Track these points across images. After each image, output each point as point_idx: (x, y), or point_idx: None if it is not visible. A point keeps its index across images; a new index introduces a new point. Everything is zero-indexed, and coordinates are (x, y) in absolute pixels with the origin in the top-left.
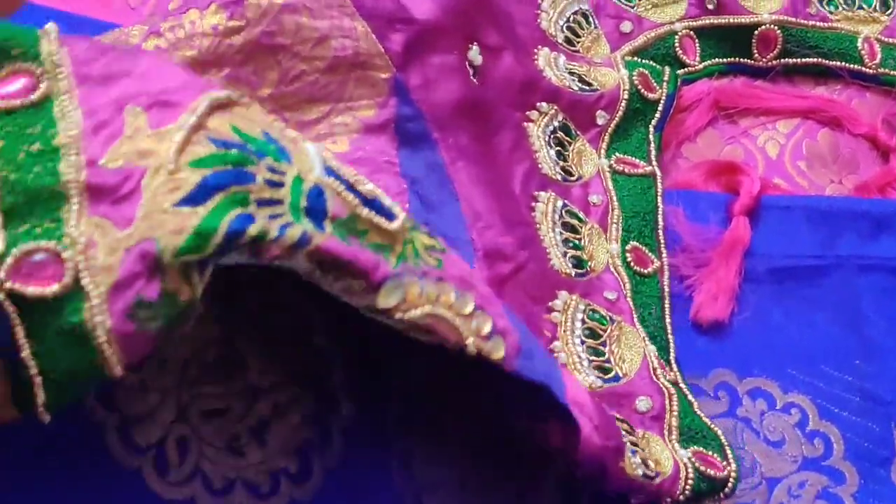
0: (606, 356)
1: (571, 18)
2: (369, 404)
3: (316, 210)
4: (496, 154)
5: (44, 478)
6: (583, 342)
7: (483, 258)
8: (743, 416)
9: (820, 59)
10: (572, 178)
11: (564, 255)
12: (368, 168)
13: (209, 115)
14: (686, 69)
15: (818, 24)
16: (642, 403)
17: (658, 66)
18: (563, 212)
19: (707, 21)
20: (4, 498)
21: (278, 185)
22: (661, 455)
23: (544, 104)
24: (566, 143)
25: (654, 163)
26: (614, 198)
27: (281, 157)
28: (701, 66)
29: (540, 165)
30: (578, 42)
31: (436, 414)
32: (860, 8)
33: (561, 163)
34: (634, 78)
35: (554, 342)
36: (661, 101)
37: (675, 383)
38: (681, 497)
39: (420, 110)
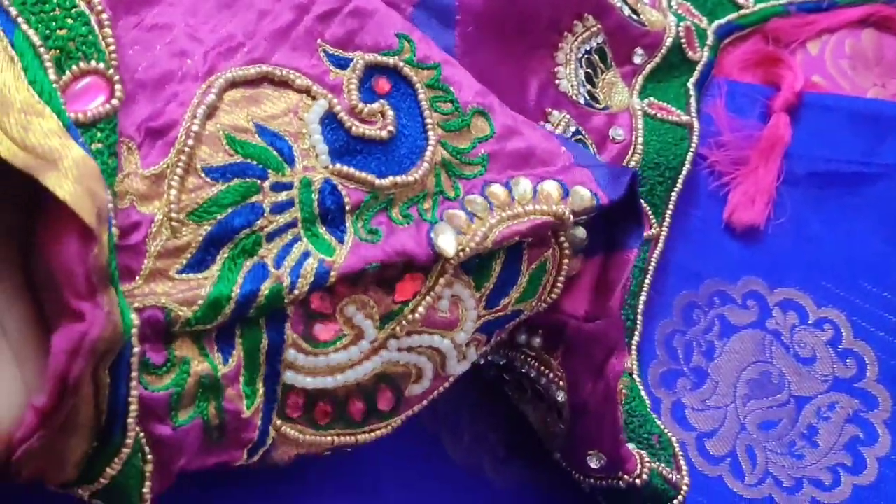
0: None
1: None
2: None
3: (332, 211)
4: (514, 62)
5: None
6: None
7: None
8: (772, 329)
9: None
10: (598, 105)
11: None
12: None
13: (200, 134)
14: (740, 12)
15: None
16: None
17: (703, 28)
18: (573, 139)
19: None
20: None
21: (287, 204)
22: None
23: (591, 18)
24: (599, 69)
25: (694, 114)
26: (640, 140)
27: (284, 160)
28: (756, 7)
29: (557, 81)
30: None
31: None
32: None
33: (588, 87)
34: (681, 30)
35: None
36: (702, 63)
37: (629, 373)
38: (637, 480)
39: None
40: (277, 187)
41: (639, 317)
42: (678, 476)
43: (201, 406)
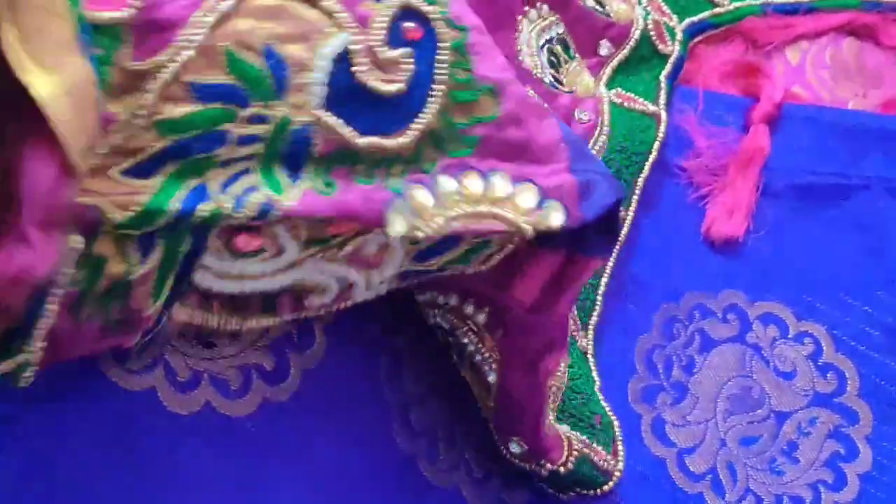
0: None
1: None
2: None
3: (296, 154)
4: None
5: None
6: None
7: None
8: (753, 343)
9: None
10: (563, 88)
11: None
12: None
13: (202, 45)
14: (714, 10)
15: None
16: None
17: (672, 25)
18: None
19: None
20: None
21: (256, 139)
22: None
23: (546, 7)
24: (563, 59)
25: (662, 107)
26: (605, 122)
27: (275, 90)
28: (731, 6)
29: (521, 58)
30: None
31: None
32: None
33: (552, 71)
34: (650, 23)
35: None
36: (674, 56)
37: (583, 352)
38: (561, 468)
39: None
40: (255, 120)
41: (598, 297)
42: (612, 462)
43: (107, 306)
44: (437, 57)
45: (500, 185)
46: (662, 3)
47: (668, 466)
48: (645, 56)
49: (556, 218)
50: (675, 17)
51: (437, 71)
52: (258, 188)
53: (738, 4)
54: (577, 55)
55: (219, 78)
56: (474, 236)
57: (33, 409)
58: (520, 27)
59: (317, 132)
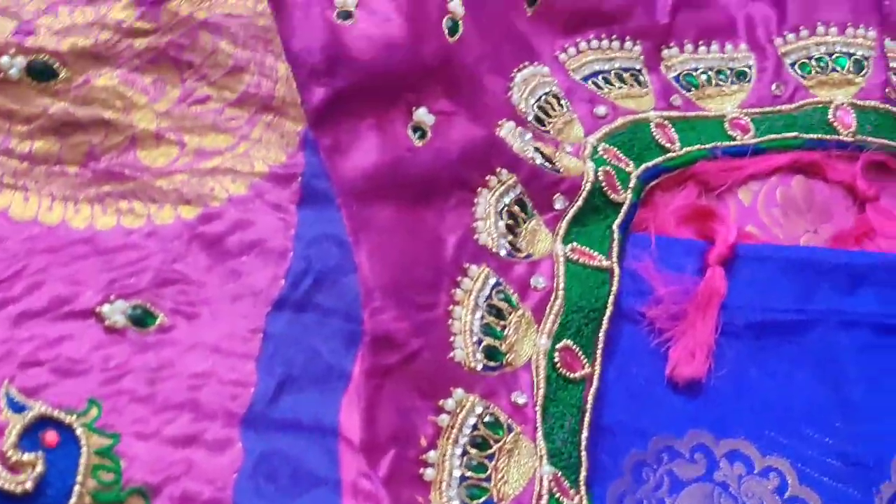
0: (488, 473)
1: (542, 98)
2: None
3: None
4: (424, 223)
5: None
6: (465, 453)
7: (370, 344)
8: (720, 481)
9: (798, 133)
10: (520, 255)
11: (478, 343)
12: (256, 226)
13: None
14: (667, 155)
15: (783, 107)
16: None
17: (625, 170)
18: (494, 292)
19: (677, 113)
20: None
21: None
22: None
23: (504, 171)
24: (521, 219)
25: (615, 260)
26: (561, 286)
27: None
28: (682, 151)
29: (476, 236)
30: (549, 123)
31: None
32: (833, 70)
33: (510, 237)
34: (600, 174)
35: (429, 452)
36: (625, 205)
37: None
38: None
39: (326, 172)
40: None
41: (582, 453)
42: None
43: None
44: (80, 461)
45: None
46: (618, 151)
47: None
48: (598, 206)
49: None
50: (631, 163)
51: (77, 475)
52: None
53: (688, 149)
54: (535, 212)
55: None
56: None
57: None
58: (477, 199)
59: None
